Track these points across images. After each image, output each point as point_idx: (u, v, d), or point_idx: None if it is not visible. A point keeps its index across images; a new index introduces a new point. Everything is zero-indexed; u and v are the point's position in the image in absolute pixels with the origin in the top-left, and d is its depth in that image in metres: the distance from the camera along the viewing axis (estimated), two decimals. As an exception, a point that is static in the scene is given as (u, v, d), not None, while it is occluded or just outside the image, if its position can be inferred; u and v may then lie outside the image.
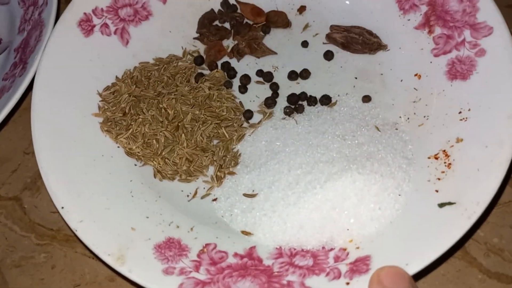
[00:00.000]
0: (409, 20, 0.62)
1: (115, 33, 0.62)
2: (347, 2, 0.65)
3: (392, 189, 0.50)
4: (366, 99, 0.60)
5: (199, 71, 0.63)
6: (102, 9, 0.62)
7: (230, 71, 0.63)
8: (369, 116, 0.58)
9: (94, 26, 0.61)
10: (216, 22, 0.66)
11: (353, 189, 0.49)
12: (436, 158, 0.52)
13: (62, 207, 0.49)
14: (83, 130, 0.56)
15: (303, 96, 0.61)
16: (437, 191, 0.49)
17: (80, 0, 0.61)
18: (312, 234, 0.48)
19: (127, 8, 0.63)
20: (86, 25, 0.60)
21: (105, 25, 0.62)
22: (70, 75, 0.58)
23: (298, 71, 0.63)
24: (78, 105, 0.57)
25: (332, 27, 0.64)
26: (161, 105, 0.58)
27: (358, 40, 0.62)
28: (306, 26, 0.66)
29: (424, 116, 0.57)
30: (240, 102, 0.61)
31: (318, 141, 0.55)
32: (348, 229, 0.49)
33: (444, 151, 0.52)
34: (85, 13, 0.61)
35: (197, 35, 0.66)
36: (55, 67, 0.57)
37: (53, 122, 0.54)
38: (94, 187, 0.51)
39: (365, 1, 0.64)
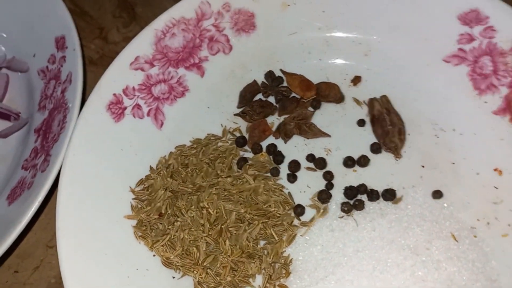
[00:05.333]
0: (486, 102, 0.53)
1: (148, 114, 0.55)
2: (411, 74, 0.57)
3: (479, 327, 0.42)
4: (437, 195, 0.52)
5: (241, 153, 0.56)
6: (133, 88, 0.55)
7: (277, 156, 0.55)
8: (442, 217, 0.51)
9: (125, 108, 0.54)
10: (259, 96, 0.59)
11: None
12: (529, 285, 0.44)
13: None
14: (115, 239, 0.49)
15: (362, 189, 0.53)
16: (535, 332, 0.42)
17: (108, 81, 0.53)
18: None
19: (161, 85, 0.56)
20: (116, 108, 0.53)
21: (137, 106, 0.54)
22: (99, 169, 0.51)
23: (355, 156, 0.55)
24: (109, 207, 0.50)
25: (384, 96, 0.56)
26: (201, 204, 0.51)
27: (385, 126, 0.54)
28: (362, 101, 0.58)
29: (509, 225, 0.49)
30: (289, 193, 0.54)
31: (385, 253, 0.48)
32: None
33: (539, 276, 0.44)
34: (114, 95, 0.53)
35: (238, 110, 0.58)
36: (82, 162, 0.50)
37: (81, 233, 0.48)
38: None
39: (432, 74, 0.56)
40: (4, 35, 0.62)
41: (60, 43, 0.57)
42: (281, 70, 0.59)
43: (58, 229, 0.47)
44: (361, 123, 0.57)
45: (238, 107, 0.58)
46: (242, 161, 0.55)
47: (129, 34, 0.69)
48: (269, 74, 0.59)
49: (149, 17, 0.70)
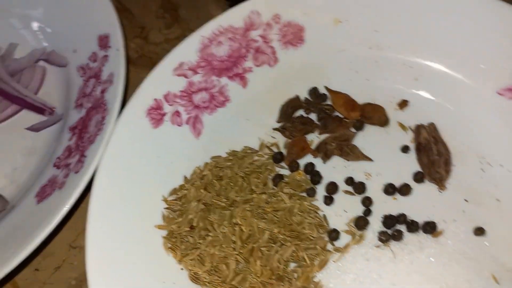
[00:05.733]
0: (538, 139, 0.51)
1: (187, 122, 0.53)
2: (461, 103, 0.55)
3: None
4: (479, 232, 0.50)
5: (277, 169, 0.54)
6: (175, 95, 0.53)
7: (314, 176, 0.53)
8: (483, 256, 0.48)
9: (165, 114, 0.53)
10: (300, 112, 0.57)
11: None
12: None
13: None
14: (144, 249, 0.47)
15: (402, 219, 0.51)
16: None
17: (150, 85, 0.52)
18: None
19: (203, 93, 0.54)
20: (156, 114, 0.52)
21: (177, 113, 0.53)
22: (134, 175, 0.50)
23: (396, 184, 0.53)
24: (141, 215, 0.49)
25: (431, 124, 0.54)
26: (234, 220, 0.49)
27: (431, 156, 0.52)
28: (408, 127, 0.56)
29: (556, 272, 0.46)
30: (325, 216, 0.52)
31: (423, 291, 0.46)
32: None
33: None
34: (155, 100, 0.52)
35: (277, 124, 0.56)
36: (118, 166, 0.49)
37: (111, 239, 0.46)
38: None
39: (484, 105, 0.54)
40: (49, 30, 0.61)
41: (104, 41, 0.56)
42: (325, 87, 0.57)
43: (88, 234, 0.46)
44: (405, 149, 0.54)
45: (278, 122, 0.56)
46: (278, 178, 0.53)
47: (170, 36, 0.68)
48: (313, 91, 0.57)
49: (192, 20, 0.68)
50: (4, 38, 0.63)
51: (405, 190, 0.52)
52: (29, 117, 0.60)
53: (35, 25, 0.62)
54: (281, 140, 0.56)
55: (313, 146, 0.55)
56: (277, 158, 0.54)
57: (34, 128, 0.59)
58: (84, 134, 0.52)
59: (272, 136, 0.56)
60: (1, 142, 0.59)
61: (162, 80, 0.53)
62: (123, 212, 0.48)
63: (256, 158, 0.55)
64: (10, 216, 0.51)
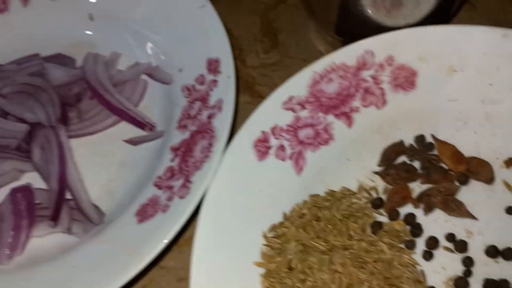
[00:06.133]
0: None
1: (290, 157, 0.53)
2: None
3: None
4: None
5: (375, 215, 0.53)
6: (281, 128, 0.53)
7: (415, 229, 0.52)
8: None
9: (270, 147, 0.52)
10: (404, 158, 0.55)
11: None
12: None
13: None
14: (242, 286, 0.47)
15: (505, 286, 0.49)
16: None
17: (259, 117, 0.52)
18: None
19: (308, 129, 0.54)
20: (262, 146, 0.51)
21: (281, 147, 0.52)
22: (238, 208, 0.49)
23: (500, 247, 0.51)
24: (241, 250, 0.48)
25: None
26: (333, 266, 0.48)
27: None
28: (513, 186, 0.54)
29: None
30: (423, 272, 0.50)
31: None
32: None
33: None
34: (263, 132, 0.52)
35: (378, 168, 0.55)
36: (224, 197, 0.49)
37: (213, 272, 0.46)
38: None
39: None
40: (163, 57, 0.61)
41: (213, 66, 0.55)
42: (432, 136, 0.55)
43: (193, 262, 0.46)
44: (509, 210, 0.52)
45: (379, 165, 0.55)
46: (377, 226, 0.52)
47: (268, 61, 0.67)
48: (420, 138, 0.55)
49: (291, 47, 0.68)
50: (111, 47, 0.63)
51: (508, 254, 0.50)
52: (127, 130, 0.60)
53: (149, 46, 0.62)
54: (380, 184, 0.55)
55: (413, 196, 0.54)
56: (377, 203, 0.53)
57: (133, 142, 0.59)
58: (189, 158, 0.52)
59: (371, 179, 0.55)
60: (98, 152, 0.59)
61: (270, 112, 0.53)
62: (226, 244, 0.48)
63: (354, 200, 0.54)
64: (109, 231, 0.51)
